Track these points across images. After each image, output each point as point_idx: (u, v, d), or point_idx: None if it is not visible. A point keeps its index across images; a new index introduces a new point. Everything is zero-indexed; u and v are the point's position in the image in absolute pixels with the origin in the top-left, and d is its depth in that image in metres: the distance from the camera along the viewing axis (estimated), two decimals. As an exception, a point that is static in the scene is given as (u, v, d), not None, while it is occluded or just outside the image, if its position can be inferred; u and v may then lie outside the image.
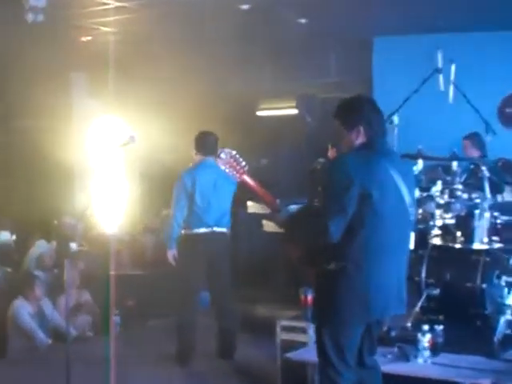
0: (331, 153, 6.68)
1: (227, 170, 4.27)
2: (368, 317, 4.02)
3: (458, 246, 5.77)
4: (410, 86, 6.76)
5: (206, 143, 6.87)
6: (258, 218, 7.09)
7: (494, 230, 5.78)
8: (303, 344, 5.62)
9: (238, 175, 4.26)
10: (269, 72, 10.63)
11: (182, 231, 6.81)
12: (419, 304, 5.61)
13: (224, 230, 6.85)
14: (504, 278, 5.55)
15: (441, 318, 5.53)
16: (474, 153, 7.48)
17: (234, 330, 6.89)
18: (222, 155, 4.26)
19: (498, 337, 5.33)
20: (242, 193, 4.50)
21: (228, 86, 10.43)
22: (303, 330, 5.65)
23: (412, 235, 5.50)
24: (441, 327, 5.24)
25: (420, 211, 5.90)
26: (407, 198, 4.05)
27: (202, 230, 6.74)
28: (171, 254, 6.85)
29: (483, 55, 8.39)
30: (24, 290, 7.64)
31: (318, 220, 3.94)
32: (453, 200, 5.86)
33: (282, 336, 5.77)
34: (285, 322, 5.83)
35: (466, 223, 5.74)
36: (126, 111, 10.42)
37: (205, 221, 6.74)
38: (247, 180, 4.25)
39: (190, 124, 7.31)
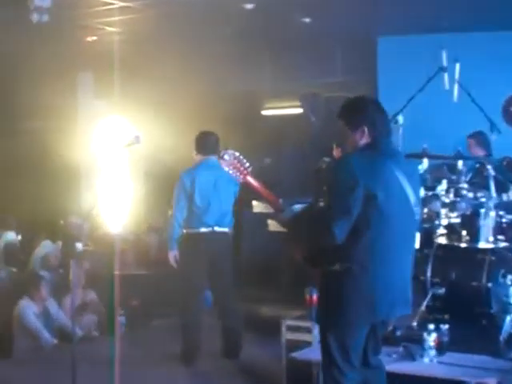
0: (336, 152, 6.68)
1: (231, 172, 4.24)
2: (373, 318, 4.01)
3: (463, 245, 5.76)
4: (415, 85, 6.74)
5: (206, 143, 6.87)
6: (263, 217, 7.10)
7: (499, 228, 5.77)
8: (308, 343, 5.61)
9: (241, 176, 4.23)
10: (273, 71, 10.63)
11: (184, 231, 6.81)
12: (425, 303, 5.61)
13: (225, 229, 6.83)
14: (509, 277, 5.55)
15: (446, 317, 5.53)
16: (479, 152, 7.47)
17: (238, 330, 6.88)
18: (226, 156, 4.23)
19: (503, 336, 5.33)
20: (247, 193, 4.49)
21: (232, 85, 10.44)
22: (308, 330, 5.65)
23: (417, 235, 5.52)
24: (446, 326, 5.23)
25: (425, 210, 5.89)
26: (412, 198, 4.03)
27: (203, 229, 6.73)
28: (172, 255, 6.85)
29: (487, 54, 8.38)
30: (30, 290, 7.66)
31: (322, 221, 3.93)
32: (458, 199, 5.85)
33: (287, 336, 5.77)
34: (290, 322, 5.82)
35: (471, 222, 5.73)
36: (131, 111, 10.45)
37: (205, 221, 6.73)
38: (251, 181, 4.23)
39: (194, 124, 7.32)
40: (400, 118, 6.42)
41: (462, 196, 5.87)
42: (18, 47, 9.09)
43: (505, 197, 5.89)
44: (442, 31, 8.27)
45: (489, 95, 6.91)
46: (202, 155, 6.87)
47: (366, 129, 4.03)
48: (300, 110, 11.01)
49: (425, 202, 5.88)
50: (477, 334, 5.40)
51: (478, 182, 6.25)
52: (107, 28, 9.10)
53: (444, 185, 5.94)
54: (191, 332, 6.75)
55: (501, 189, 5.92)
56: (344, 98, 4.26)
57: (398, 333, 5.43)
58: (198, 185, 6.74)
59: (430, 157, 6.03)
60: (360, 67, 9.51)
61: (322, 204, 4.17)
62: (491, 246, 5.69)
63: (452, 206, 5.86)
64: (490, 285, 5.48)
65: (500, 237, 5.75)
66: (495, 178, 5.85)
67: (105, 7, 8.15)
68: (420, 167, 5.91)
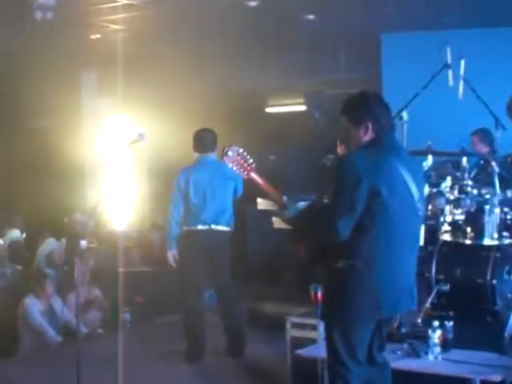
0: (340, 149, 6.66)
1: (234, 168, 4.24)
2: (379, 314, 4.01)
3: (468, 241, 5.75)
4: (419, 82, 6.73)
5: (202, 141, 6.86)
6: (268, 214, 7.10)
7: (504, 225, 5.76)
8: (313, 341, 5.61)
9: (245, 173, 4.23)
10: (277, 69, 10.63)
11: (184, 228, 6.81)
12: (429, 300, 5.60)
13: (223, 228, 6.78)
14: (514, 274, 5.55)
15: (451, 314, 5.52)
16: (483, 148, 7.46)
17: (241, 328, 6.88)
18: (230, 153, 4.22)
19: (508, 332, 5.32)
20: (252, 189, 4.49)
21: (236, 82, 10.45)
22: (313, 327, 5.65)
23: (422, 231, 5.51)
24: (451, 323, 5.23)
25: (430, 207, 5.87)
26: (416, 194, 4.03)
27: (199, 227, 6.73)
28: (171, 254, 6.85)
29: (492, 51, 8.36)
30: (34, 287, 7.68)
31: (326, 218, 3.93)
32: (463, 196, 5.84)
33: (292, 333, 5.77)
34: (295, 319, 5.82)
35: (475, 219, 5.72)
36: (135, 109, 10.46)
37: (201, 218, 6.72)
38: (255, 177, 4.23)
39: (198, 121, 7.32)
40: (404, 115, 6.41)
41: (466, 193, 5.85)
42: (21, 45, 9.09)
43: (509, 193, 5.87)
44: (447, 28, 8.26)
45: (494, 91, 6.88)
46: (199, 153, 6.88)
47: (369, 124, 4.02)
48: (304, 108, 11.02)
49: (429, 198, 5.86)
50: (481, 330, 5.39)
51: (483, 178, 6.24)
52: (111, 26, 9.10)
53: (448, 181, 5.92)
54: (194, 330, 6.76)
55: (505, 185, 5.90)
56: (348, 95, 4.24)
57: (403, 330, 5.43)
58: (193, 182, 6.74)
59: (434, 153, 6.01)
60: (364, 64, 9.51)
61: (326, 201, 4.17)
62: (496, 242, 5.67)
63: (456, 203, 5.84)
64: (494, 282, 5.47)
65: (505, 233, 5.73)
66: (500, 174, 5.84)
67: (108, 5, 8.15)
68: (424, 164, 5.89)
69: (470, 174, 6.14)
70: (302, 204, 4.28)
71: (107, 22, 8.92)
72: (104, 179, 6.56)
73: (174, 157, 8.17)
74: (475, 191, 5.84)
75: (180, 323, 6.92)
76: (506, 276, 5.57)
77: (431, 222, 5.90)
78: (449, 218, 5.85)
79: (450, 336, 5.19)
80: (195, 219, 6.74)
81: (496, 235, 5.69)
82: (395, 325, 5.27)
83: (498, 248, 5.63)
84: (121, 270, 7.80)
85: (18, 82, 9.98)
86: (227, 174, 6.68)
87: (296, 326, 5.78)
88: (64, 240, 9.40)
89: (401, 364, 4.91)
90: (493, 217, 5.68)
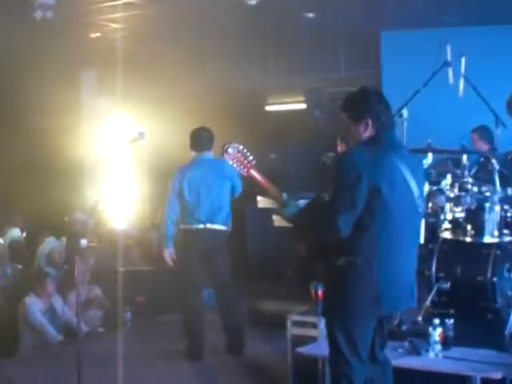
0: (340, 147, 6.66)
1: (234, 165, 4.26)
2: (379, 311, 4.01)
3: (468, 239, 5.75)
4: (419, 79, 6.73)
5: (199, 140, 6.87)
6: (268, 212, 7.09)
7: (504, 223, 5.75)
8: (314, 339, 5.61)
9: (245, 170, 4.25)
10: (277, 67, 10.63)
11: (181, 226, 6.81)
12: (430, 298, 5.59)
13: (219, 227, 6.76)
14: (515, 272, 5.55)
15: (451, 311, 5.51)
16: (483, 146, 7.46)
17: (240, 326, 6.87)
18: (230, 150, 4.25)
19: (508, 330, 5.31)
20: (252, 188, 4.49)
21: (236, 81, 10.43)
22: (314, 325, 5.65)
23: (422, 229, 5.51)
24: (451, 321, 5.22)
25: (430, 205, 5.87)
26: (416, 191, 4.03)
27: (195, 226, 6.72)
28: (167, 252, 6.85)
29: (492, 48, 8.35)
30: (35, 286, 7.68)
31: (326, 215, 3.93)
32: (463, 193, 5.84)
33: (292, 331, 5.77)
34: (295, 317, 5.82)
35: (476, 217, 5.72)
36: (135, 108, 10.46)
37: (196, 217, 6.72)
38: (254, 174, 4.24)
39: (198, 120, 7.32)
40: (404, 112, 6.41)
41: (466, 190, 5.85)
42: (21, 44, 9.09)
43: (510, 191, 5.87)
44: (447, 25, 8.25)
45: (494, 89, 6.88)
46: (195, 152, 6.88)
47: (369, 121, 4.02)
48: (304, 106, 11.01)
49: (429, 196, 5.87)
50: (482, 328, 5.39)
51: (483, 176, 6.23)
52: (111, 25, 9.10)
53: (448, 179, 5.92)
54: (193, 329, 6.76)
55: (505, 183, 5.90)
56: (348, 92, 4.24)
57: (404, 327, 5.43)
58: (187, 181, 6.75)
59: (434, 151, 6.01)
60: (364, 62, 9.50)
61: (326, 199, 4.17)
62: (496, 240, 5.67)
63: (457, 201, 5.84)
64: (495, 279, 5.47)
65: (505, 231, 5.73)
66: (500, 172, 5.83)
67: (108, 4, 8.15)
68: (424, 162, 5.89)
69: (470, 171, 6.14)
70: (302, 202, 4.28)
71: (107, 20, 8.92)
72: (104, 178, 6.57)
73: (174, 155, 8.16)
74: (475, 189, 5.83)
75: (180, 322, 6.92)
76: (506, 274, 5.56)
77: (431, 220, 5.90)
78: (449, 216, 5.85)
79: (451, 334, 5.19)
80: (190, 218, 6.74)
81: (496, 233, 5.69)
82: (396, 322, 5.28)
83: (498, 246, 5.63)
84: (121, 268, 7.82)
85: (18, 80, 9.98)
86: (223, 172, 6.68)
87: (296, 324, 5.78)
88: (64, 239, 9.41)
89: (401, 362, 4.91)
90: (493, 214, 5.68)
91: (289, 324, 5.78)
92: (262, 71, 10.46)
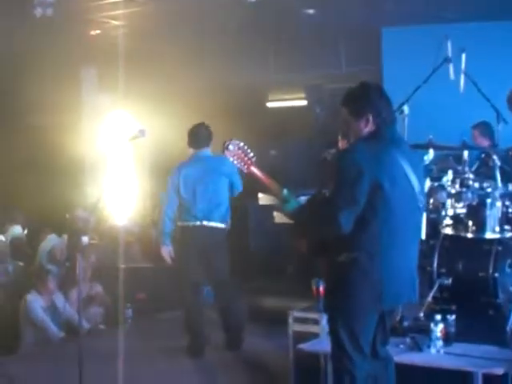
0: (341, 144, 6.66)
1: (235, 162, 4.26)
2: (380, 306, 4.02)
3: (469, 235, 5.74)
4: (420, 75, 6.73)
5: (197, 136, 6.85)
6: (269, 209, 7.09)
7: (505, 218, 5.75)
8: (315, 335, 5.61)
9: (245, 166, 4.25)
10: (277, 63, 10.62)
11: (178, 223, 6.81)
12: (431, 294, 5.59)
13: (215, 224, 6.72)
14: (516, 267, 5.54)
15: (453, 307, 5.51)
16: (484, 142, 7.47)
17: (239, 323, 6.86)
18: (230, 147, 4.25)
19: (510, 326, 5.31)
20: (254, 185, 4.49)
21: (237, 78, 10.44)
22: (315, 321, 5.65)
23: (423, 225, 5.51)
24: (453, 317, 5.22)
25: (431, 201, 5.88)
26: (416, 186, 4.03)
27: (192, 222, 6.71)
28: (165, 250, 6.84)
29: (493, 44, 8.36)
30: (36, 283, 7.69)
31: (328, 211, 3.92)
32: (464, 189, 5.83)
33: (294, 327, 5.76)
34: (297, 313, 5.82)
35: (477, 212, 5.71)
36: (136, 105, 10.46)
37: (192, 214, 6.70)
38: (255, 171, 4.25)
39: (198, 117, 7.31)
40: (405, 109, 6.40)
41: (467, 186, 5.84)
42: (21, 42, 9.08)
43: (511, 187, 5.86)
44: (447, 21, 8.25)
45: (495, 85, 6.88)
46: (193, 149, 6.87)
47: (370, 117, 4.01)
48: (304, 102, 11.01)
49: (431, 192, 5.87)
50: (483, 324, 5.39)
51: (484, 172, 6.23)
52: (111, 22, 9.09)
53: (450, 175, 5.92)
54: (194, 326, 6.75)
55: (507, 179, 5.90)
56: (348, 88, 4.23)
57: (406, 323, 5.43)
58: (184, 178, 6.74)
59: (435, 147, 6.00)
60: (364, 58, 9.50)
61: (325, 194, 4.17)
62: (497, 236, 5.66)
63: (458, 197, 5.84)
64: (496, 275, 5.46)
65: (506, 227, 5.72)
66: (501, 167, 5.83)
67: (109, 1, 8.15)
68: (426, 158, 5.88)
69: (471, 167, 6.13)
70: (303, 198, 4.28)
71: (107, 17, 8.92)
72: (105, 175, 6.56)
73: (175, 152, 8.16)
74: (477, 185, 5.83)
75: (181, 319, 6.92)
76: (507, 269, 5.56)
77: (433, 216, 5.90)
78: (450, 212, 5.85)
79: (452, 329, 5.19)
80: (187, 215, 6.73)
81: (498, 228, 5.68)
82: (397, 318, 5.28)
83: (499, 241, 5.62)
84: (122, 265, 7.82)
85: (19, 78, 9.98)
86: (221, 169, 6.67)
87: (298, 320, 5.77)
88: (66, 236, 9.41)
89: (403, 358, 4.90)
90: (494, 210, 5.67)
91: (290, 320, 5.78)
92: (263, 68, 10.46)
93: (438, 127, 6.92)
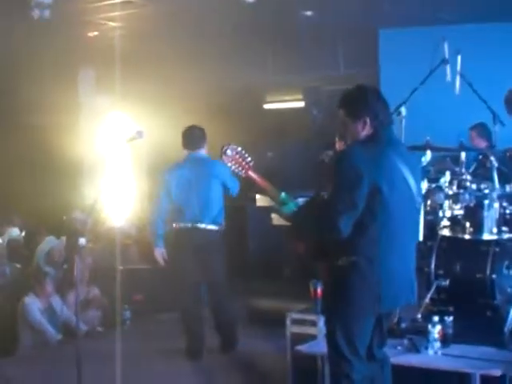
0: (339, 145, 6.65)
1: (233, 167, 4.28)
2: (378, 308, 4.02)
3: (467, 236, 5.75)
4: (417, 77, 6.73)
5: (191, 138, 6.84)
6: (268, 211, 7.10)
7: (503, 220, 5.75)
8: (313, 337, 5.61)
9: (243, 171, 4.27)
10: (275, 65, 10.63)
11: (173, 225, 6.80)
12: (429, 295, 5.60)
13: (207, 226, 6.69)
14: (514, 269, 5.55)
15: (451, 309, 5.51)
16: (481, 143, 7.47)
17: (231, 324, 6.85)
18: (228, 152, 4.28)
19: (508, 327, 5.31)
20: (250, 186, 4.50)
21: (234, 79, 10.44)
22: (313, 323, 5.65)
23: (421, 226, 5.52)
24: (451, 318, 5.22)
25: (429, 202, 5.88)
26: (414, 187, 4.04)
27: (183, 224, 6.70)
28: (158, 252, 6.84)
29: (489, 46, 8.37)
30: (34, 286, 7.68)
31: (326, 215, 3.91)
32: (461, 191, 5.84)
33: (291, 329, 5.76)
34: (295, 315, 5.82)
35: (475, 214, 5.72)
36: (134, 106, 10.45)
37: (184, 216, 6.69)
38: (253, 176, 4.26)
39: (196, 118, 7.32)
40: (403, 110, 6.40)
41: (465, 188, 5.85)
42: (19, 43, 9.08)
43: (508, 188, 5.87)
44: (444, 23, 8.26)
45: (491, 86, 6.89)
46: (188, 150, 6.86)
47: (367, 119, 4.01)
48: (302, 104, 11.01)
49: (428, 194, 5.88)
50: (481, 325, 5.39)
51: (482, 173, 6.24)
52: (109, 23, 9.09)
53: (447, 177, 5.93)
54: (192, 327, 6.75)
55: (504, 180, 5.90)
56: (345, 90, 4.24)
57: (403, 325, 5.42)
58: (175, 180, 6.73)
59: (433, 149, 6.00)
60: (362, 60, 9.50)
61: (325, 197, 4.16)
62: (495, 237, 5.67)
63: (455, 198, 5.84)
64: (494, 276, 5.47)
65: (504, 228, 5.73)
66: (498, 169, 5.84)
67: (106, 2, 8.14)
68: (423, 159, 5.89)
69: (468, 168, 6.14)
70: (300, 200, 4.28)
71: (105, 19, 8.92)
72: (102, 177, 6.56)
73: (173, 154, 8.16)
74: (474, 186, 5.83)
75: (179, 320, 6.91)
76: (505, 271, 5.56)
77: (430, 218, 5.90)
78: (448, 213, 5.85)
79: (450, 331, 5.18)
80: (179, 217, 6.72)
81: (495, 230, 5.69)
82: (395, 320, 5.28)
83: (497, 243, 5.63)
84: (119, 267, 7.80)
85: (17, 79, 9.98)
86: (213, 171, 6.66)
87: (296, 322, 5.77)
88: (64, 238, 9.40)
89: (401, 359, 4.91)
90: (492, 211, 5.68)
91: (288, 322, 5.78)
92: (260, 69, 10.46)
93: (436, 128, 6.92)
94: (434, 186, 5.93)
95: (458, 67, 6.65)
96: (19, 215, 10.35)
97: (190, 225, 6.67)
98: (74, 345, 4.97)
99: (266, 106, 11.54)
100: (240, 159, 4.27)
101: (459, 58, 6.64)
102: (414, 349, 5.15)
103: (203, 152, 6.85)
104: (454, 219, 5.85)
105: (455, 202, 5.83)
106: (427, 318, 5.32)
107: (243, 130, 9.72)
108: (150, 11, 8.44)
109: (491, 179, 5.78)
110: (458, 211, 5.82)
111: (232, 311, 6.90)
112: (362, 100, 4.07)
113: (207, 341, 6.81)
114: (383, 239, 3.92)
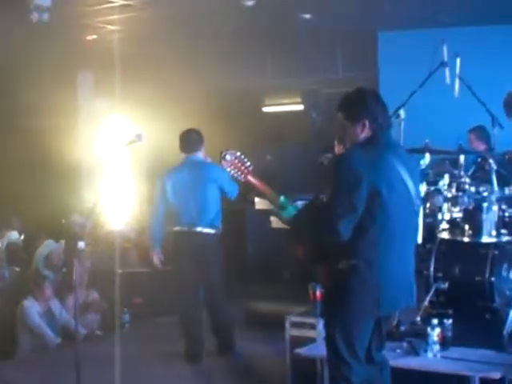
0: (338, 149, 6.65)
1: (232, 172, 4.28)
2: (377, 311, 4.01)
3: (466, 239, 5.75)
4: (416, 80, 6.73)
5: (188, 141, 6.84)
6: (266, 214, 7.08)
7: (502, 222, 5.76)
8: (312, 340, 5.61)
9: (242, 176, 4.27)
10: (273, 68, 10.63)
11: (169, 228, 6.80)
12: (428, 298, 5.60)
13: (204, 229, 6.68)
14: (513, 271, 5.55)
15: (450, 311, 5.52)
16: (480, 146, 7.47)
17: (227, 327, 6.84)
18: (227, 157, 4.28)
19: (507, 330, 5.31)
20: (249, 190, 4.50)
21: (233, 82, 10.44)
22: (312, 326, 5.65)
23: (420, 229, 5.52)
24: (450, 321, 5.22)
25: (428, 205, 5.88)
26: (413, 190, 4.04)
27: (180, 228, 6.71)
28: (155, 255, 6.84)
29: (488, 48, 8.38)
30: (33, 289, 7.67)
31: (326, 219, 3.91)
32: (460, 193, 5.84)
33: (291, 332, 5.76)
34: (294, 318, 5.82)
35: (473, 216, 5.72)
36: (132, 110, 10.45)
37: (181, 219, 6.70)
38: (252, 180, 4.27)
39: (195, 121, 7.32)
40: (401, 113, 6.40)
41: (464, 190, 5.85)
42: (18, 46, 9.08)
43: (507, 191, 5.88)
44: (443, 25, 8.26)
45: (490, 89, 6.89)
46: (184, 153, 6.86)
47: (366, 122, 4.01)
48: (301, 107, 11.02)
49: (427, 196, 5.88)
50: (480, 328, 5.39)
51: (480, 176, 6.25)
52: (107, 27, 9.10)
53: (446, 179, 5.93)
54: (191, 331, 6.74)
55: (503, 183, 5.91)
56: (344, 93, 4.24)
57: (402, 328, 5.42)
58: (172, 183, 6.73)
59: (431, 151, 6.00)
60: (361, 63, 9.51)
61: (324, 200, 4.16)
62: (494, 240, 5.68)
63: (454, 201, 5.85)
64: (493, 279, 5.47)
65: (503, 231, 5.74)
66: (497, 171, 5.84)
67: (105, 5, 8.15)
68: (422, 162, 5.89)
69: (467, 171, 6.15)
70: (299, 203, 4.28)
71: (103, 22, 8.92)
72: (101, 180, 6.57)
73: (172, 157, 8.17)
74: (473, 189, 5.84)
75: (178, 323, 6.91)
76: (504, 273, 5.57)
77: (429, 220, 5.90)
78: (447, 216, 5.86)
79: (449, 334, 5.18)
80: (176, 220, 6.74)
81: (494, 233, 5.69)
82: (394, 323, 5.28)
83: (496, 245, 5.63)
84: (118, 270, 7.80)
85: (15, 82, 9.97)
86: (210, 174, 6.67)
87: (295, 325, 5.77)
88: (63, 241, 9.39)
89: (400, 362, 4.91)
90: (491, 214, 5.68)
91: (287, 325, 5.78)
92: (259, 72, 10.46)
93: (435, 131, 6.93)
94: (432, 188, 5.94)
95: (457, 70, 6.66)
96: (18, 218, 10.34)
97: (186, 228, 6.67)
98: (73, 348, 4.96)
99: (265, 109, 11.54)
100: (239, 164, 4.27)
101: (458, 60, 6.65)
102: (413, 352, 5.15)
103: (200, 155, 6.85)
104: (452, 222, 5.85)
105: (454, 204, 5.84)
106: (426, 321, 5.32)
107: (242, 133, 9.72)
108: (149, 14, 8.45)
109: (490, 182, 5.78)
110: (457, 214, 5.82)
111: (229, 314, 6.90)
112: (361, 103, 4.07)
113: (206, 344, 6.81)
114: (382, 242, 3.91)
